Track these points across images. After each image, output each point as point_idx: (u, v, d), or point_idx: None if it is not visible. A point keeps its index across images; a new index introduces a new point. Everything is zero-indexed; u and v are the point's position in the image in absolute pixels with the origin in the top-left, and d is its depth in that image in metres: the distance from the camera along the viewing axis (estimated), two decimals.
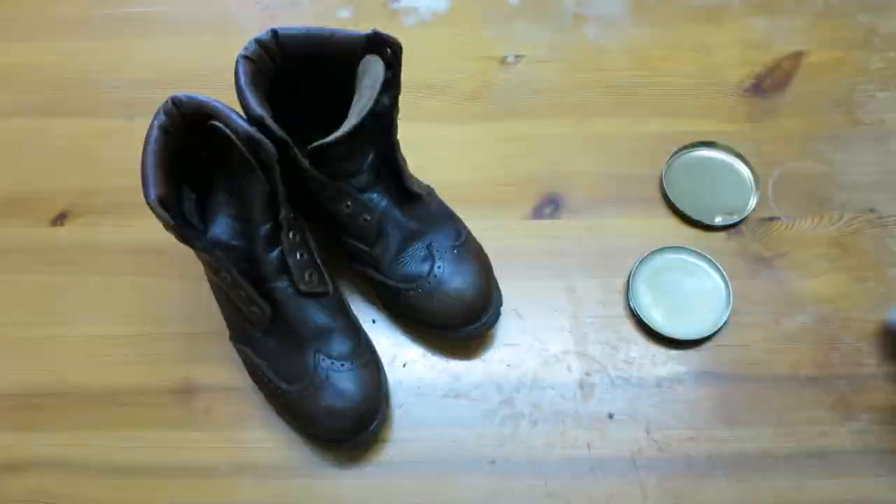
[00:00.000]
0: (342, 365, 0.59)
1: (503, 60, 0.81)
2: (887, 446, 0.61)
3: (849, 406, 0.63)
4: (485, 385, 0.64)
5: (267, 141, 0.55)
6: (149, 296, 0.69)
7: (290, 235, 0.59)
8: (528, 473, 0.61)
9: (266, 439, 0.62)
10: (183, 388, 0.64)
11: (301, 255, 0.60)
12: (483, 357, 0.65)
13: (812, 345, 0.65)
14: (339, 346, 0.60)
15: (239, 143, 0.56)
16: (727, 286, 0.66)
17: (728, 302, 0.65)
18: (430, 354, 0.66)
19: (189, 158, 0.58)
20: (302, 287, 0.59)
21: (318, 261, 0.63)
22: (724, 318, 0.65)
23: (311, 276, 0.60)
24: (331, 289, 0.62)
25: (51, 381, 0.65)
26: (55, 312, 0.69)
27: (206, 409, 0.64)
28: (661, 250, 0.68)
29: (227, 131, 0.56)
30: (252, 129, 0.55)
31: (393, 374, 0.65)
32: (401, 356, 0.66)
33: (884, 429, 0.62)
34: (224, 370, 0.65)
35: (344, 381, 0.58)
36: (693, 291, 0.65)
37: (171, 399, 0.64)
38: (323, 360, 0.59)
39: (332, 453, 0.62)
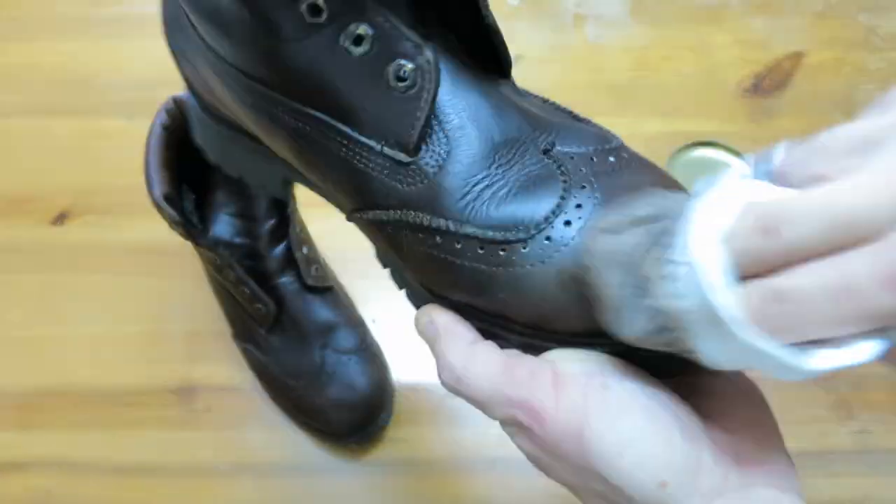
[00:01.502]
0: (349, 358, 0.59)
1: None
2: (887, 446, 0.61)
3: (849, 406, 0.62)
4: None
5: None
6: (149, 296, 0.69)
7: (298, 230, 0.60)
8: (528, 473, 0.61)
9: (266, 439, 0.62)
10: (183, 388, 0.64)
11: (307, 249, 0.60)
12: None
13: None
14: (345, 339, 0.60)
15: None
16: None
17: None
18: (430, 354, 0.66)
19: (188, 158, 0.58)
20: (309, 281, 0.60)
21: (321, 256, 0.63)
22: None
23: (317, 270, 0.61)
24: (335, 284, 0.63)
25: (51, 381, 0.65)
26: (55, 312, 0.69)
27: (206, 409, 0.64)
28: None
29: None
30: None
31: (393, 373, 0.65)
32: (401, 356, 0.66)
33: (884, 429, 0.62)
34: (224, 370, 0.65)
35: (351, 374, 0.59)
36: None
37: (171, 399, 0.64)
38: (329, 354, 0.59)
39: (333, 452, 0.62)
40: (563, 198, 0.26)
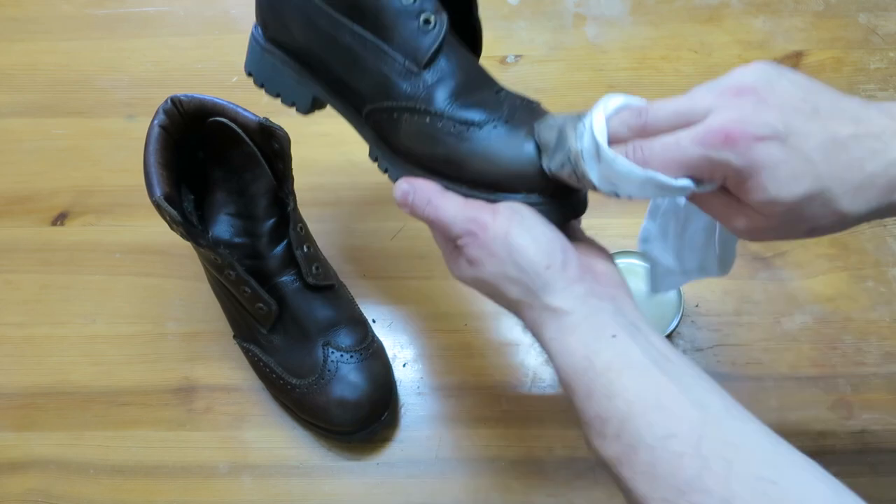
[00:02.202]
0: (351, 357, 0.59)
1: (503, 60, 0.81)
2: (887, 446, 0.61)
3: (849, 406, 0.62)
4: (484, 385, 0.64)
5: (280, 127, 0.56)
6: (149, 296, 0.69)
7: (298, 229, 0.60)
8: (527, 473, 0.61)
9: (266, 439, 0.62)
10: (183, 388, 0.64)
11: (308, 248, 0.61)
12: (483, 357, 0.65)
13: (812, 345, 0.65)
14: (347, 338, 0.60)
15: (246, 137, 0.56)
16: (678, 294, 0.63)
17: (679, 309, 0.63)
18: (430, 354, 0.66)
19: (186, 159, 0.58)
20: (310, 280, 0.60)
21: (322, 254, 0.63)
22: (672, 326, 0.63)
23: (317, 269, 0.61)
24: (336, 282, 0.63)
25: (51, 381, 0.65)
26: (55, 312, 0.69)
27: (206, 409, 0.64)
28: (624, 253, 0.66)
29: (235, 126, 0.56)
30: (263, 119, 0.56)
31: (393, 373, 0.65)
32: (401, 356, 0.66)
33: (884, 429, 0.62)
34: (224, 370, 0.65)
35: (354, 372, 0.59)
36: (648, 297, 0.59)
37: (171, 399, 0.64)
38: (332, 352, 0.59)
39: (333, 452, 0.62)
40: (498, 111, 0.44)
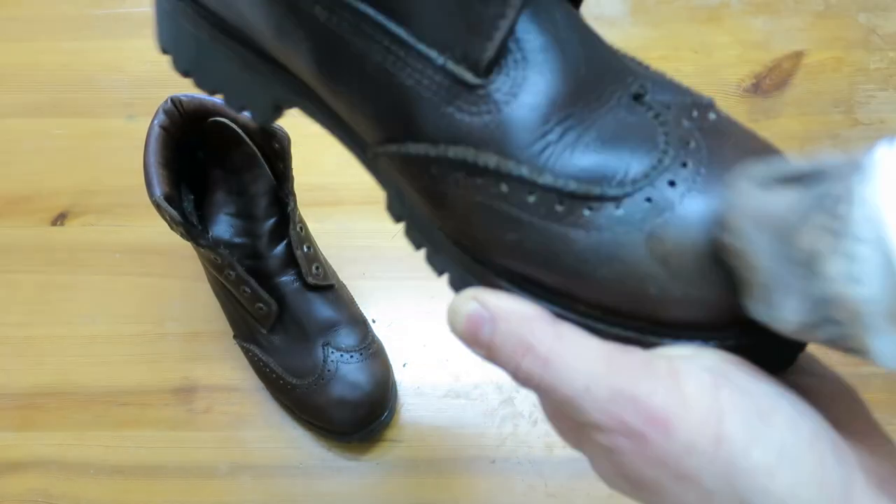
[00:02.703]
0: (351, 357, 0.59)
1: None
2: None
3: None
4: (485, 385, 0.64)
5: (280, 127, 0.56)
6: (149, 296, 0.69)
7: (298, 229, 0.60)
8: (528, 473, 0.61)
9: (266, 439, 0.62)
10: (183, 388, 0.64)
11: (308, 248, 0.61)
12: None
13: (812, 344, 0.65)
14: (347, 338, 0.60)
15: (246, 137, 0.57)
16: None
17: None
18: (430, 354, 0.66)
19: (186, 159, 0.58)
20: (310, 280, 0.60)
21: (322, 254, 0.63)
22: None
23: (317, 269, 0.61)
24: (336, 282, 0.63)
25: (51, 381, 0.65)
26: (55, 312, 0.69)
27: (206, 409, 0.64)
28: None
29: (235, 126, 0.56)
30: None
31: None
32: (401, 356, 0.66)
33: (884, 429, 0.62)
34: (224, 370, 0.65)
35: (354, 372, 0.59)
36: None
37: (171, 399, 0.64)
38: (332, 352, 0.59)
39: (333, 452, 0.62)
40: (664, 152, 0.21)
